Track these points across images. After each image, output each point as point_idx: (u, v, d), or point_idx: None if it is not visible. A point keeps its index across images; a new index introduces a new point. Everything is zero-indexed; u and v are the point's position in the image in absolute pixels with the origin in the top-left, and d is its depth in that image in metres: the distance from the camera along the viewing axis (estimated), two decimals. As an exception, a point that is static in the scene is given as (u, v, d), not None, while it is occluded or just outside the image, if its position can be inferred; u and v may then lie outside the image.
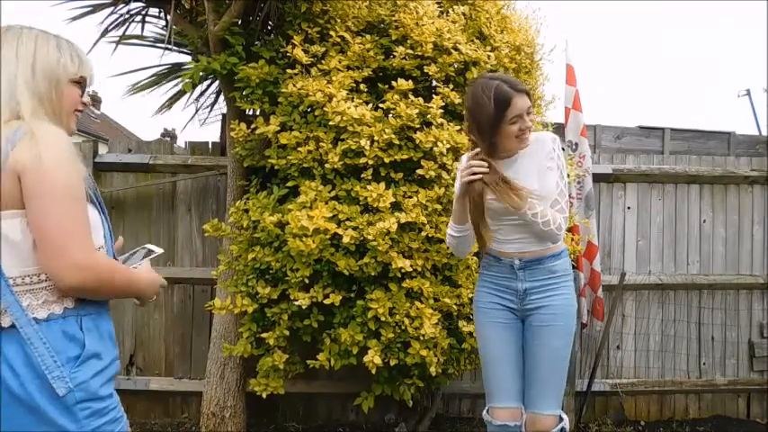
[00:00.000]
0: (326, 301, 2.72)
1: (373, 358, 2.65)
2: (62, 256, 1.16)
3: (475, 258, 2.83)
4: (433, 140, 2.74)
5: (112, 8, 3.15)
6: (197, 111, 3.74)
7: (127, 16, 3.22)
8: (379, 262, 2.70)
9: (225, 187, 3.39)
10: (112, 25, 3.21)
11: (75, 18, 3.17)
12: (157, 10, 3.27)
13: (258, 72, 2.88)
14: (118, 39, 3.26)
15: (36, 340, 1.17)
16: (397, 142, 2.75)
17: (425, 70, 2.90)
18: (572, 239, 3.30)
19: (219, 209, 3.54)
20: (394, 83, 2.84)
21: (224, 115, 3.51)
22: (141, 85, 3.62)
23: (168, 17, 3.01)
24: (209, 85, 3.66)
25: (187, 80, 2.90)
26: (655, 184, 3.87)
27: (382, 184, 2.73)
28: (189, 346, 3.62)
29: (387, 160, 2.75)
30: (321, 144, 2.78)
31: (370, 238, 2.61)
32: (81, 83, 1.33)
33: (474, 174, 1.97)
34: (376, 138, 2.72)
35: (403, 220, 2.67)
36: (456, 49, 2.92)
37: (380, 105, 2.86)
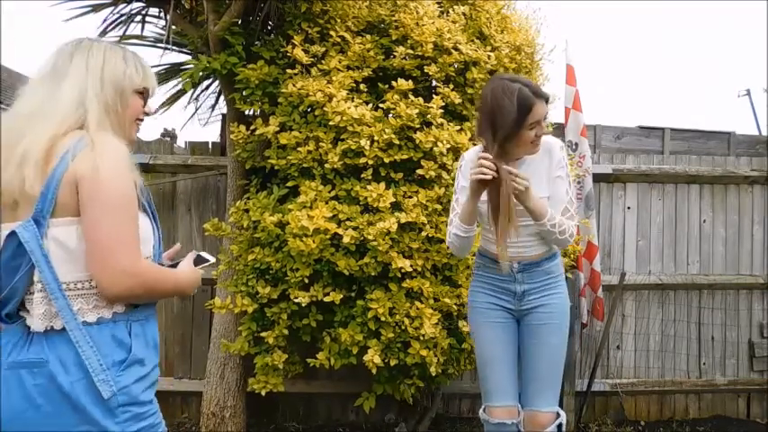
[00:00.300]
0: (327, 299, 2.72)
1: (373, 358, 2.66)
2: (110, 263, 1.20)
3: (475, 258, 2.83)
4: (433, 140, 2.73)
5: (112, 8, 3.15)
6: (196, 110, 3.74)
7: (127, 16, 3.22)
8: (380, 262, 2.70)
9: (225, 187, 3.39)
10: (112, 25, 3.21)
11: (75, 18, 3.17)
12: (157, 10, 3.27)
13: (257, 73, 2.88)
14: (118, 39, 3.26)
15: (84, 343, 1.21)
16: (397, 142, 2.75)
17: (425, 70, 2.90)
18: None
19: (219, 209, 3.54)
20: (394, 83, 2.84)
21: (224, 115, 3.51)
22: (141, 84, 3.61)
23: (168, 17, 3.01)
24: (208, 86, 3.66)
25: (187, 79, 2.90)
26: (655, 184, 3.87)
27: (382, 184, 2.73)
28: (189, 346, 3.62)
29: (387, 160, 2.75)
30: (321, 144, 2.77)
31: (370, 238, 2.61)
32: (144, 93, 1.39)
33: (483, 173, 1.93)
34: (376, 138, 2.72)
35: (403, 220, 2.67)
36: (456, 49, 2.92)
37: (380, 105, 2.86)
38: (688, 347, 3.86)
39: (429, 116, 2.80)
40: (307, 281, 2.75)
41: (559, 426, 2.10)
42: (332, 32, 2.96)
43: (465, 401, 3.74)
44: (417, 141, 2.75)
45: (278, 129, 2.84)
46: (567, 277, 3.28)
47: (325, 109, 2.73)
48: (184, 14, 3.24)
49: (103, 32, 3.20)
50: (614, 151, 4.35)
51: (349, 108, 2.70)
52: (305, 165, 2.79)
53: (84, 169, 1.20)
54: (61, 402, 1.19)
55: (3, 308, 1.25)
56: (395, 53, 2.91)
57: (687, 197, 3.90)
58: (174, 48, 3.25)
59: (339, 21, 3.02)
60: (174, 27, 3.05)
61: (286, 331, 2.84)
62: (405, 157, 2.77)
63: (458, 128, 2.87)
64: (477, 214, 2.07)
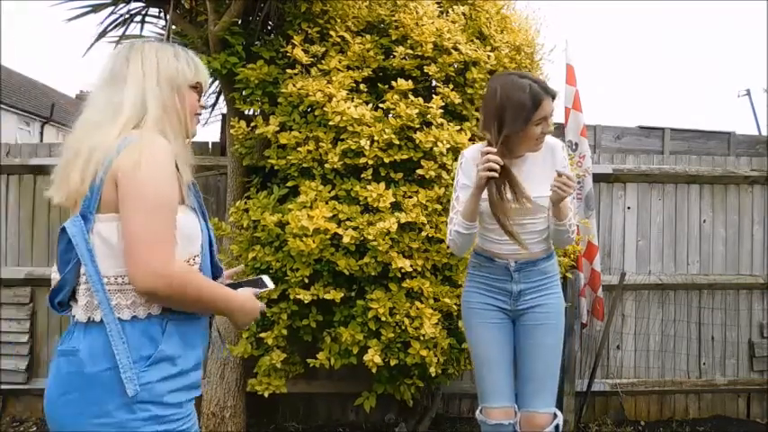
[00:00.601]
0: (328, 296, 2.72)
1: (373, 357, 2.66)
2: (140, 261, 1.20)
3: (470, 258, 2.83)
4: (433, 140, 2.73)
5: (112, 8, 3.15)
6: (196, 110, 3.73)
7: (127, 16, 3.22)
8: (380, 262, 2.70)
9: (225, 187, 3.39)
10: (112, 25, 3.21)
11: (74, 18, 3.17)
12: (157, 10, 3.28)
13: (257, 73, 2.88)
14: (118, 39, 3.26)
15: (117, 338, 1.22)
16: (396, 142, 2.75)
17: (425, 70, 2.90)
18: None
19: (219, 208, 3.53)
20: (394, 83, 2.84)
21: (224, 115, 3.51)
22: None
23: (168, 17, 3.01)
24: (209, 85, 3.66)
25: (187, 80, 2.90)
26: (655, 184, 3.87)
27: (382, 184, 2.73)
28: (189, 346, 3.61)
29: (387, 160, 2.75)
30: (321, 144, 2.78)
31: (370, 237, 2.61)
32: (198, 88, 1.42)
33: (491, 170, 1.92)
34: (376, 138, 2.72)
35: (403, 220, 2.67)
36: (456, 49, 2.92)
37: (380, 105, 2.86)
38: (688, 347, 3.86)
39: (429, 116, 2.80)
40: (307, 281, 2.75)
41: (557, 427, 2.10)
42: (332, 32, 2.96)
43: (465, 401, 3.74)
44: (417, 141, 2.75)
45: (278, 128, 2.84)
46: (565, 277, 3.30)
47: (325, 109, 2.73)
48: (184, 14, 3.24)
49: (103, 32, 3.20)
50: (614, 151, 4.35)
51: (349, 108, 2.70)
52: (305, 165, 2.79)
53: (122, 166, 1.22)
54: (85, 392, 1.21)
55: (56, 296, 1.30)
56: (395, 53, 2.91)
57: (687, 197, 3.90)
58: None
59: (339, 21, 3.02)
60: (173, 27, 3.06)
61: (285, 331, 2.84)
62: (405, 157, 2.77)
63: (458, 128, 2.87)
64: (478, 211, 2.07)
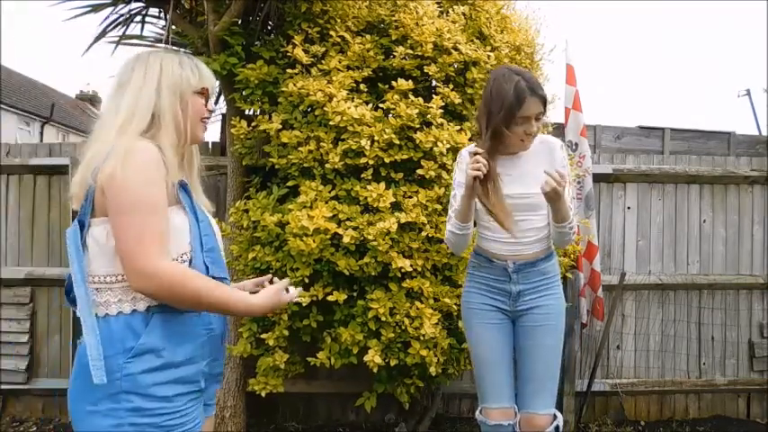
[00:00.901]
0: (330, 298, 2.72)
1: (374, 357, 2.66)
2: (128, 263, 1.27)
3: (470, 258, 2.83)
4: (433, 140, 2.74)
5: (112, 8, 3.15)
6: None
7: (127, 16, 3.22)
8: (380, 262, 2.70)
9: (225, 187, 3.39)
10: (112, 25, 3.21)
11: (74, 18, 3.17)
12: (157, 10, 3.28)
13: (257, 73, 2.89)
14: (118, 39, 3.26)
15: (91, 332, 1.28)
16: (397, 142, 2.75)
17: (425, 70, 2.90)
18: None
19: (219, 209, 3.53)
20: (394, 83, 2.85)
21: (224, 115, 3.51)
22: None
23: (168, 17, 3.01)
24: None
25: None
26: (655, 184, 3.87)
27: (382, 184, 2.73)
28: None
29: (387, 160, 2.75)
30: (321, 144, 2.78)
31: (370, 237, 2.61)
32: (204, 93, 1.46)
33: (479, 169, 1.93)
34: (376, 138, 2.72)
35: (403, 220, 2.67)
36: (456, 49, 2.92)
37: (380, 105, 2.86)
38: (688, 347, 3.86)
39: (429, 116, 2.80)
40: (307, 281, 2.75)
41: (557, 428, 2.08)
42: (332, 32, 2.96)
43: (465, 401, 3.74)
44: (417, 141, 2.75)
45: (280, 126, 2.84)
46: (565, 277, 3.30)
47: (325, 109, 2.73)
48: (184, 14, 3.24)
49: (103, 32, 3.20)
50: (614, 151, 4.36)
51: (349, 108, 2.70)
52: (305, 164, 2.80)
53: (104, 176, 1.28)
54: (84, 380, 1.28)
55: (69, 292, 1.40)
56: (395, 53, 2.91)
57: (687, 197, 3.90)
58: (173, 48, 3.26)
59: (339, 21, 3.02)
60: (173, 27, 3.06)
61: (286, 332, 2.84)
62: (405, 157, 2.77)
63: (458, 128, 2.87)
64: (473, 212, 2.06)
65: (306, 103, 2.79)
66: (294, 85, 2.81)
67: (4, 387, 3.60)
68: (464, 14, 3.12)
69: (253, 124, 2.96)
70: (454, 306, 2.79)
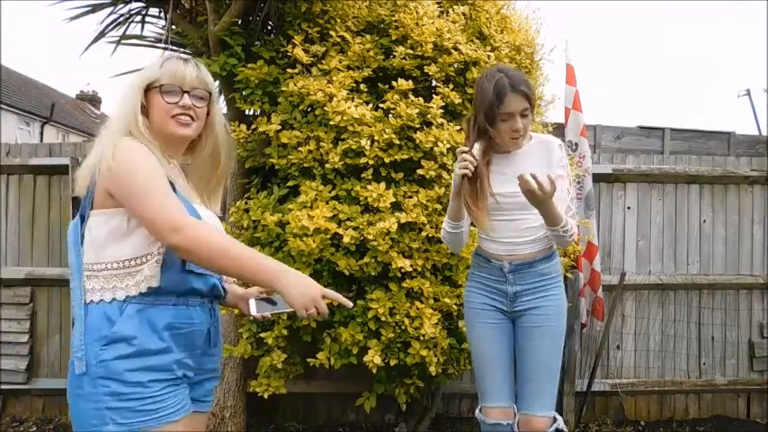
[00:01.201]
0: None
1: (374, 358, 2.65)
2: (158, 228, 1.32)
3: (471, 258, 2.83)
4: (434, 140, 2.73)
5: (112, 8, 3.15)
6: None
7: (127, 16, 3.22)
8: (380, 262, 2.70)
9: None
10: (112, 25, 3.21)
11: (74, 18, 3.17)
12: (157, 10, 3.27)
13: (257, 73, 2.88)
14: (118, 39, 3.26)
15: (78, 318, 1.37)
16: (397, 142, 2.75)
17: (425, 70, 2.90)
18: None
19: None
20: (394, 83, 2.84)
21: (224, 116, 3.51)
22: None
23: (168, 17, 3.01)
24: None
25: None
26: (655, 184, 3.87)
27: (382, 184, 2.73)
28: (189, 346, 3.61)
29: (387, 160, 2.75)
30: (322, 144, 2.78)
31: (370, 237, 2.61)
32: (167, 90, 1.45)
33: (466, 168, 1.93)
34: (376, 138, 2.72)
35: (403, 220, 2.67)
36: (456, 49, 2.92)
37: (380, 105, 2.86)
38: (688, 347, 3.86)
39: (429, 116, 2.80)
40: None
41: (557, 430, 2.06)
42: (332, 32, 2.96)
43: (465, 401, 3.74)
44: (417, 141, 2.75)
45: (279, 127, 2.84)
46: (565, 277, 3.29)
47: (325, 109, 2.73)
48: (184, 14, 3.23)
49: (102, 32, 3.20)
50: (614, 151, 4.36)
51: (349, 108, 2.70)
52: (305, 164, 2.79)
53: (102, 175, 1.37)
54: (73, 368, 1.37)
55: None
56: (395, 53, 2.91)
57: (687, 197, 3.90)
58: (173, 48, 3.25)
59: (339, 21, 3.02)
60: (173, 27, 3.05)
61: (285, 331, 2.84)
62: (405, 156, 2.77)
63: (458, 128, 2.86)
64: (463, 210, 2.05)
65: (306, 102, 2.79)
66: (294, 84, 2.81)
67: (4, 387, 3.60)
68: (464, 14, 3.12)
69: (252, 126, 2.96)
70: (454, 306, 2.79)
